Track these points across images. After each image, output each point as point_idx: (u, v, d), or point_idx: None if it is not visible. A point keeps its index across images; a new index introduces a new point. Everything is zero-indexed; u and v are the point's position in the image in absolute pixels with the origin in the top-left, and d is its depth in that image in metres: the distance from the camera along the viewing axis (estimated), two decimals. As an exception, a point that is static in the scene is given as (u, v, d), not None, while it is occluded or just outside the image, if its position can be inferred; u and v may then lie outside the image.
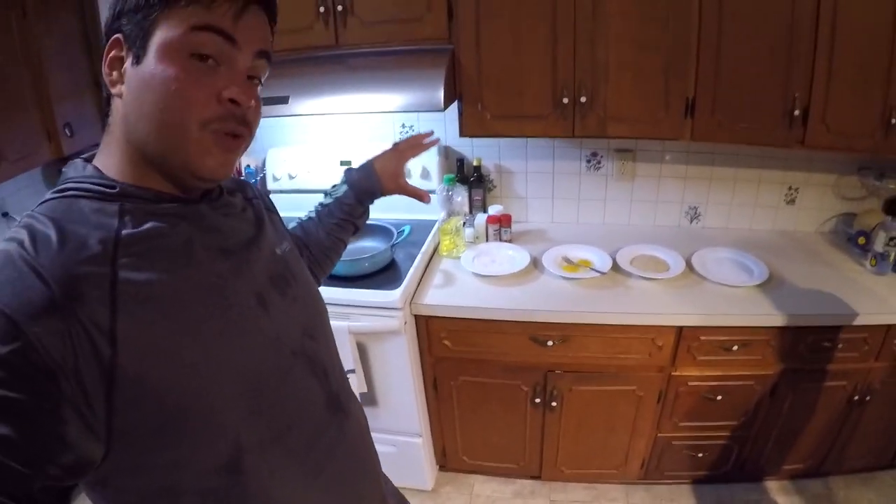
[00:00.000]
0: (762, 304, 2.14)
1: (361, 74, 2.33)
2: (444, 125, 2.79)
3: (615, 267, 2.38)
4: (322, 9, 2.28)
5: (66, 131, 3.20)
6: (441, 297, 2.28)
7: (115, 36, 0.79)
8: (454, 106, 2.38)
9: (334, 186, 1.43)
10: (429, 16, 2.25)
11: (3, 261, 0.68)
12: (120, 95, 0.79)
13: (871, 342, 2.13)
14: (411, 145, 1.51)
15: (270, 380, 0.87)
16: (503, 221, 2.65)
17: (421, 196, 1.50)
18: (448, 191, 2.63)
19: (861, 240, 2.44)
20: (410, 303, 2.26)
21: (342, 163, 2.82)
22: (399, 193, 1.48)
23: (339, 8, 2.26)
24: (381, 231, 2.52)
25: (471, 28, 2.24)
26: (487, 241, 2.68)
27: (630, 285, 2.29)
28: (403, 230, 2.41)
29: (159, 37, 0.75)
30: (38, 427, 0.63)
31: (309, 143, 2.93)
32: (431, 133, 1.54)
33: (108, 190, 0.79)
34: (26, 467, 0.62)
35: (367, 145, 2.84)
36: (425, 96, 2.18)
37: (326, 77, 2.32)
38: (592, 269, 2.35)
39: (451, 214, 2.62)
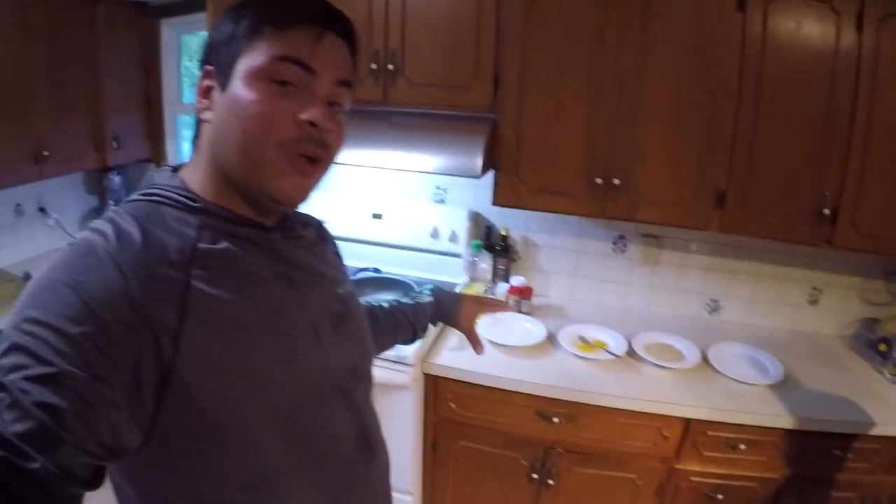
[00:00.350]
0: (774, 404, 2.11)
1: (403, 133, 2.43)
2: (477, 191, 2.86)
3: (630, 351, 2.38)
4: (374, 66, 2.40)
5: (114, 143, 3.38)
6: (454, 359, 2.30)
7: (207, 67, 0.87)
8: (489, 173, 2.44)
9: (419, 293, 1.53)
10: (476, 84, 2.36)
11: (87, 249, 0.74)
12: (209, 121, 0.87)
13: (883, 454, 2.08)
14: (492, 305, 1.67)
15: (311, 409, 0.89)
16: (524, 293, 2.68)
17: (476, 346, 1.57)
18: (474, 257, 2.68)
19: (882, 346, 2.40)
20: (423, 360, 2.28)
21: (374, 215, 2.89)
22: (466, 333, 1.58)
23: (391, 67, 2.39)
24: (403, 286, 2.57)
25: (515, 100, 2.33)
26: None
27: (643, 371, 2.28)
28: (425, 287, 2.45)
29: (243, 65, 0.82)
30: (92, 406, 0.66)
31: (342, 192, 3.00)
32: (508, 307, 1.65)
33: (191, 203, 0.84)
34: (73, 440, 0.64)
35: (400, 201, 2.94)
36: (464, 162, 2.27)
37: (369, 131, 2.41)
38: (607, 351, 2.36)
39: (473, 280, 2.67)
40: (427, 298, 1.51)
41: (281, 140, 0.82)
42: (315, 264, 1.01)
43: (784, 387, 2.22)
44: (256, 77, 0.81)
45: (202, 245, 0.81)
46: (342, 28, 0.89)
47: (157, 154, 3.72)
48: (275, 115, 0.81)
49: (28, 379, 0.64)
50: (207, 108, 0.87)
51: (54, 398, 0.63)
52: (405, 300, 1.47)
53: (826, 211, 2.13)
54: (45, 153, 3.04)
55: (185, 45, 3.70)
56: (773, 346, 2.51)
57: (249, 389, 0.80)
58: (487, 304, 1.63)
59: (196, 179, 0.88)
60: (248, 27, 0.83)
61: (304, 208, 0.97)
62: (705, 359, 2.36)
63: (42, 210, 3.49)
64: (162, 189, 0.86)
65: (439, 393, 2.32)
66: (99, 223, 0.78)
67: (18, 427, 0.62)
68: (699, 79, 2.17)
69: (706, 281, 2.76)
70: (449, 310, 1.53)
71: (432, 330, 1.62)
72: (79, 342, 0.66)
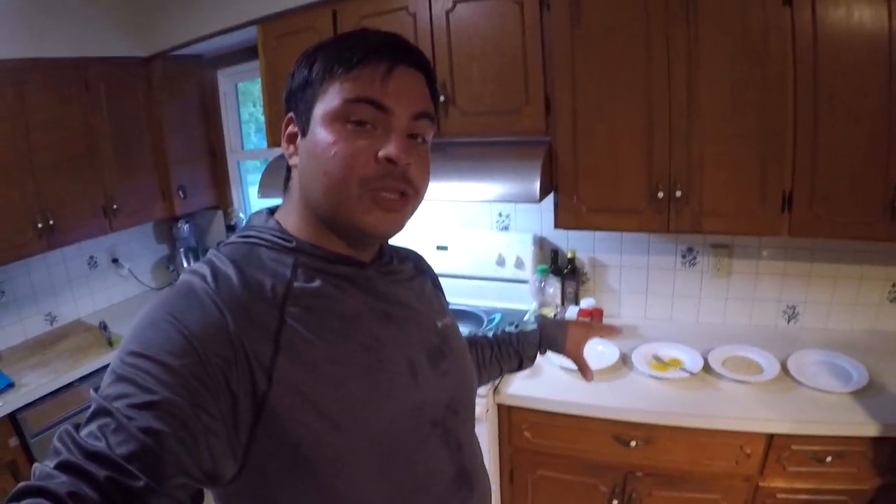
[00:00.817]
0: (860, 411, 2.00)
1: (460, 163, 2.44)
2: (541, 215, 2.85)
3: (706, 367, 2.30)
4: (427, 99, 2.41)
5: (180, 193, 3.55)
6: (526, 388, 2.27)
7: (289, 114, 0.92)
8: (550, 196, 2.42)
9: (524, 323, 1.54)
10: (527, 109, 2.36)
11: (187, 290, 0.79)
12: (295, 165, 0.91)
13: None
14: (602, 328, 1.62)
15: (405, 445, 0.90)
16: (595, 315, 2.64)
17: (586, 373, 1.53)
18: (541, 282, 2.65)
19: None
20: (494, 391, 2.26)
21: (438, 247, 2.92)
22: (573, 359, 1.53)
23: (442, 98, 2.40)
24: (472, 317, 2.58)
25: (568, 121, 2.32)
26: (579, 334, 2.65)
27: (721, 388, 2.21)
28: (494, 318, 2.45)
29: (319, 110, 0.85)
30: (192, 432, 0.69)
31: (406, 227, 3.00)
32: (619, 331, 1.62)
33: (286, 243, 0.88)
34: (174, 462, 0.67)
35: (464, 231, 2.95)
36: (521, 188, 2.26)
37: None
38: (682, 370, 2.30)
39: (542, 305, 2.64)
40: (533, 327, 1.51)
41: (362, 177, 0.84)
42: (412, 299, 1.02)
43: (869, 392, 2.10)
44: (333, 119, 0.84)
45: (297, 284, 0.85)
46: (412, 59, 0.89)
47: (222, 201, 3.85)
48: (354, 155, 0.83)
49: (132, 406, 0.67)
50: (294, 154, 0.91)
51: (157, 423, 0.66)
52: (509, 328, 1.51)
53: None
54: (115, 206, 3.22)
55: (242, 93, 3.79)
56: (856, 349, 2.39)
57: (342, 424, 0.81)
58: (595, 329, 1.60)
59: (290, 220, 0.92)
60: (320, 72, 0.86)
61: (400, 242, 1.02)
62: (785, 369, 2.26)
63: (115, 261, 3.67)
64: (258, 231, 0.91)
65: (513, 423, 2.30)
66: (197, 266, 0.84)
67: (124, 449, 0.65)
68: (751, 80, 2.11)
69: (782, 287, 2.66)
70: (555, 336, 1.50)
71: (540, 359, 1.62)
72: (180, 373, 0.70)
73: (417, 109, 0.88)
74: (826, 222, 2.13)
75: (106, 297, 3.63)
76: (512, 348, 1.45)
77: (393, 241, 1.03)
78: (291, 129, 0.91)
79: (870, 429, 1.95)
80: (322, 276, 0.88)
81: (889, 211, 2.04)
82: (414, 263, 1.12)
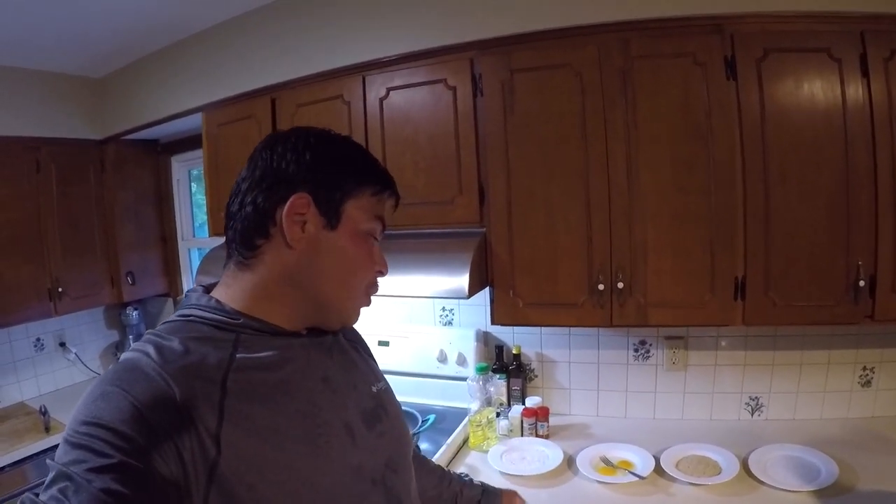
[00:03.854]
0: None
1: (394, 256, 2.31)
2: (485, 308, 2.70)
3: (658, 469, 2.13)
4: (355, 190, 2.34)
5: (129, 279, 3.53)
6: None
7: (304, 195, 0.93)
8: (484, 290, 2.32)
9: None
10: (460, 199, 2.29)
11: (132, 366, 0.82)
12: (295, 248, 0.94)
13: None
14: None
15: (346, 502, 0.93)
16: (540, 414, 2.48)
17: None
18: (480, 380, 2.51)
19: None
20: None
21: (380, 343, 2.82)
22: None
23: (375, 189, 2.32)
24: (406, 416, 2.42)
25: (502, 211, 2.24)
26: (522, 434, 2.50)
27: (673, 492, 2.03)
28: (428, 419, 2.32)
29: (349, 215, 0.97)
30: (151, 494, 0.72)
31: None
32: None
33: (230, 319, 0.92)
34: None
35: (405, 327, 2.87)
36: (451, 282, 2.16)
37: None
38: (631, 473, 2.12)
39: (485, 405, 2.49)
40: (477, 484, 1.52)
41: (367, 283, 1.02)
42: (344, 368, 1.06)
43: (836, 490, 1.93)
44: (363, 232, 0.99)
45: (238, 355, 0.89)
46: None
47: (173, 288, 3.83)
48: (367, 265, 1.00)
49: (90, 470, 0.70)
50: (302, 238, 0.94)
51: (115, 485, 0.70)
52: (457, 474, 1.52)
53: (862, 283, 1.93)
54: (60, 290, 3.19)
55: (196, 179, 3.78)
56: (826, 441, 2.23)
57: (285, 487, 0.84)
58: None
59: (232, 296, 0.95)
60: (353, 178, 0.98)
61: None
62: (746, 467, 2.10)
63: (62, 345, 3.61)
64: (198, 308, 0.94)
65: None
66: (138, 345, 0.87)
67: None
68: (696, 160, 2.03)
69: (743, 378, 2.51)
70: (494, 498, 1.51)
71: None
72: (133, 439, 0.73)
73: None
74: (784, 308, 2.02)
75: (52, 381, 3.56)
76: (455, 491, 1.46)
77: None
78: (302, 210, 0.93)
79: None
80: (262, 348, 0.92)
81: (853, 291, 1.95)
82: (344, 334, 1.15)
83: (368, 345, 1.27)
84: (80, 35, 2.81)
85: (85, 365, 3.67)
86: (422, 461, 1.45)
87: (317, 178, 0.95)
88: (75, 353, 3.61)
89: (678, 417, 2.60)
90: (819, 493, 1.92)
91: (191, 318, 0.93)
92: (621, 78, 2.06)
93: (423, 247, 2.32)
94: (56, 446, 2.63)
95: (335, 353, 1.06)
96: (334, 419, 0.96)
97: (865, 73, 1.89)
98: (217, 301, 0.95)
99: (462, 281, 2.12)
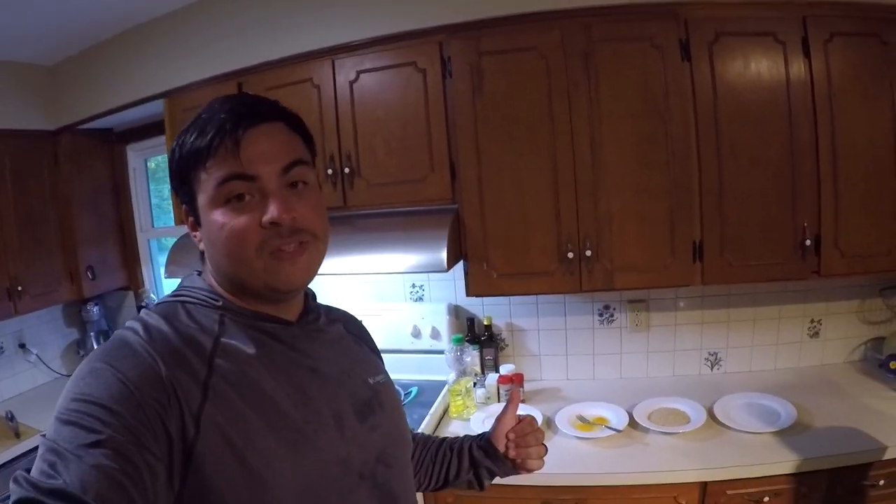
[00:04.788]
0: (790, 449, 2.02)
1: (369, 235, 2.41)
2: (454, 284, 2.84)
3: (632, 423, 2.29)
4: (330, 171, 2.41)
5: (89, 274, 3.41)
6: (449, 460, 2.20)
7: (183, 206, 0.96)
8: (459, 264, 2.40)
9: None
10: (432, 177, 2.36)
11: (121, 342, 0.84)
12: (203, 250, 0.96)
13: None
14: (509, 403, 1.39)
15: (330, 496, 0.90)
16: (515, 381, 2.60)
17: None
18: (457, 351, 2.62)
19: (893, 364, 2.34)
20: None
21: (350, 324, 2.86)
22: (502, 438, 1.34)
23: (347, 170, 2.40)
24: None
25: (473, 188, 2.32)
26: (499, 401, 2.62)
27: (648, 441, 2.20)
28: (411, 391, 2.40)
29: (201, 199, 0.90)
30: (139, 471, 0.72)
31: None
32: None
33: (213, 301, 0.94)
34: (126, 498, 0.70)
35: (376, 305, 2.92)
36: (429, 258, 2.23)
37: (333, 238, 2.35)
38: (608, 427, 2.28)
39: (461, 375, 2.60)
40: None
41: (257, 246, 0.88)
42: (337, 357, 1.04)
43: (797, 429, 2.14)
44: (214, 204, 0.89)
45: (224, 338, 0.90)
46: (260, 119, 0.91)
47: (133, 281, 3.72)
48: (242, 230, 0.88)
49: (81, 446, 0.71)
50: (200, 240, 0.96)
51: (105, 460, 0.70)
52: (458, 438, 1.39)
53: (808, 242, 2.13)
54: (19, 289, 3.05)
55: (154, 169, 3.72)
56: (781, 388, 2.44)
57: (264, 475, 0.82)
58: (509, 408, 1.37)
59: (215, 283, 0.97)
60: (187, 163, 0.90)
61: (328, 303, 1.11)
62: (712, 416, 2.28)
63: (22, 346, 3.47)
64: (188, 291, 0.96)
65: (439, 497, 2.21)
66: (130, 323, 0.89)
67: (78, 484, 0.68)
68: (655, 135, 2.18)
69: (702, 336, 2.70)
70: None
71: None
72: (121, 415, 0.74)
73: (283, 163, 0.91)
74: (738, 268, 2.20)
75: (13, 386, 3.42)
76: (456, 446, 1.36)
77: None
78: (191, 219, 0.95)
79: (802, 464, 1.97)
80: (248, 332, 0.92)
81: (800, 249, 2.14)
82: (343, 324, 1.15)
83: (373, 340, 1.25)
84: (31, 22, 2.72)
85: (47, 366, 3.55)
86: (424, 441, 1.38)
87: (176, 185, 0.95)
88: (36, 355, 3.49)
89: (643, 375, 2.77)
90: (781, 433, 2.12)
91: (180, 297, 0.95)
92: (584, 60, 2.19)
93: (399, 225, 2.39)
94: (30, 451, 2.56)
95: (328, 342, 1.04)
96: (323, 408, 0.94)
97: (807, 55, 2.08)
98: (207, 284, 0.97)
99: (440, 255, 2.20)
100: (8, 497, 0.70)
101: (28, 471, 0.71)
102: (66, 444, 0.71)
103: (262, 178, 0.88)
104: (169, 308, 0.92)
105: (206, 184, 0.88)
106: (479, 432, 1.40)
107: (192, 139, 0.89)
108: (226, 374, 0.85)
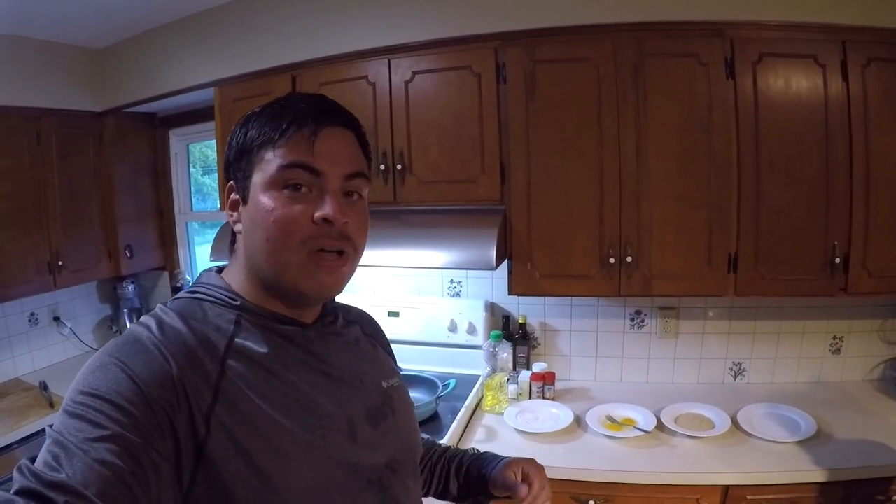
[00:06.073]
0: (810, 459, 2.09)
1: (416, 231, 2.48)
2: (492, 282, 2.92)
3: (659, 425, 2.37)
4: (382, 167, 2.48)
5: (127, 252, 3.47)
6: (481, 453, 2.27)
7: (230, 183, 0.95)
8: (503, 264, 2.47)
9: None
10: (483, 177, 2.43)
11: (133, 339, 0.83)
12: (240, 232, 0.95)
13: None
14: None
15: (335, 500, 0.89)
16: (547, 379, 2.68)
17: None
18: (494, 347, 2.69)
19: None
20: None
21: (390, 313, 2.94)
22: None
23: (399, 167, 2.47)
24: (426, 383, 2.57)
25: (522, 190, 2.39)
26: (531, 398, 2.70)
27: (674, 444, 2.27)
28: (449, 383, 2.46)
29: (257, 178, 0.89)
30: (143, 468, 0.72)
31: (356, 294, 3.03)
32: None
33: (230, 300, 0.92)
34: (129, 495, 0.70)
35: (414, 298, 2.99)
36: (478, 255, 2.30)
37: (381, 231, 2.44)
38: (636, 428, 2.35)
39: (495, 370, 2.67)
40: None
41: (302, 239, 0.88)
42: (353, 361, 1.03)
43: (817, 440, 2.21)
44: (270, 187, 0.88)
45: (238, 339, 0.89)
46: (339, 120, 0.93)
47: (169, 262, 3.79)
48: (292, 219, 0.87)
49: (87, 440, 0.70)
50: (237, 221, 0.95)
51: (110, 456, 0.70)
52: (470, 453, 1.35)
53: (837, 260, 2.19)
54: (60, 263, 3.12)
55: (193, 155, 3.78)
56: (802, 401, 2.50)
57: (273, 478, 0.82)
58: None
59: (235, 280, 0.95)
60: (253, 141, 0.90)
61: (349, 302, 1.06)
62: (736, 423, 2.35)
63: (57, 319, 3.54)
64: (205, 287, 0.95)
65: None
66: (144, 318, 0.88)
67: (81, 478, 0.67)
68: (697, 147, 2.25)
69: (728, 345, 2.77)
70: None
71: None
72: (129, 412, 0.73)
73: (349, 170, 0.92)
74: (770, 281, 2.27)
75: (46, 356, 3.50)
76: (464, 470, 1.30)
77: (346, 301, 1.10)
78: (233, 196, 0.95)
79: (820, 474, 2.03)
80: (263, 334, 0.91)
81: (829, 266, 2.21)
82: (361, 327, 1.14)
83: (388, 341, 1.24)
84: (83, 5, 2.77)
85: (79, 339, 3.63)
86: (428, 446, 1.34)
87: (232, 156, 0.94)
88: (70, 328, 3.58)
89: (669, 381, 2.85)
90: (801, 443, 2.19)
91: (197, 294, 0.94)
92: (634, 73, 2.26)
93: (448, 222, 2.46)
94: None
95: (343, 345, 1.04)
96: (336, 413, 0.93)
97: (845, 78, 2.15)
98: (225, 282, 0.96)
99: (490, 253, 2.28)
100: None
101: (32, 460, 0.71)
102: (71, 437, 0.70)
103: (327, 175, 0.89)
104: (186, 305, 0.92)
105: (269, 164, 0.88)
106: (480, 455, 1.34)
107: (266, 119, 0.90)
108: (238, 376, 0.85)
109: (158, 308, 0.91)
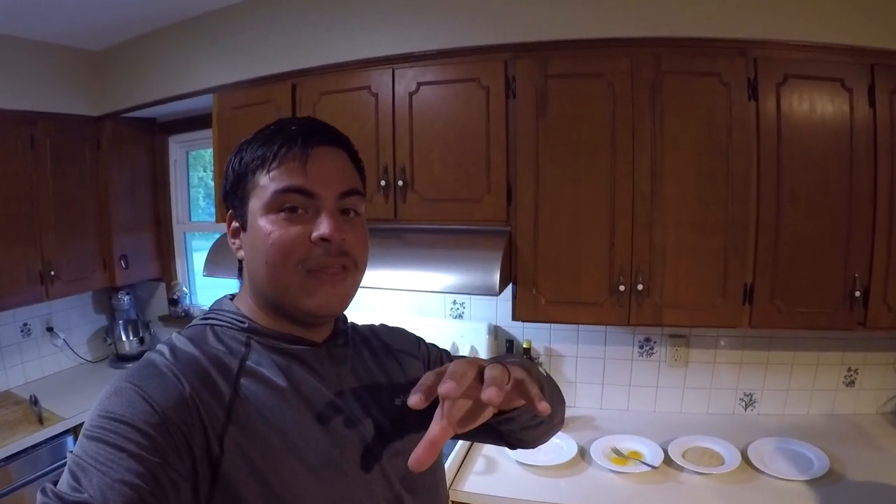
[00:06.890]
0: (822, 499, 1.99)
1: (417, 251, 2.39)
2: (496, 304, 2.83)
3: (667, 459, 2.27)
4: (383, 182, 2.39)
5: (122, 262, 3.41)
6: (481, 486, 2.19)
7: (229, 211, 0.97)
8: (507, 287, 2.38)
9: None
10: (488, 197, 2.33)
11: (147, 363, 0.86)
12: (243, 259, 0.97)
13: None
14: None
15: None
16: (550, 406, 2.57)
17: None
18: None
19: None
20: (449, 489, 2.16)
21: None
22: None
23: (400, 183, 2.37)
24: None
25: (529, 211, 2.30)
26: (534, 422, 2.59)
27: (682, 480, 2.17)
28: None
29: (254, 203, 0.91)
30: (163, 488, 0.74)
31: (357, 312, 2.90)
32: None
33: (240, 324, 0.95)
34: None
35: (416, 319, 2.90)
36: (480, 279, 2.21)
37: (380, 250, 2.34)
38: (643, 463, 2.25)
39: (497, 395, 2.58)
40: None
41: (300, 260, 0.89)
42: (363, 381, 1.02)
43: (829, 479, 2.11)
44: (267, 211, 0.90)
45: (250, 360, 0.91)
46: (328, 139, 0.95)
47: (166, 273, 3.71)
48: (290, 240, 0.89)
49: (107, 461, 0.73)
50: (239, 248, 0.97)
51: (131, 476, 0.72)
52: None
53: (857, 293, 2.10)
54: (52, 273, 3.06)
55: (192, 162, 3.71)
56: (814, 435, 2.42)
57: (285, 498, 0.83)
58: None
59: (245, 305, 0.98)
60: (247, 169, 0.93)
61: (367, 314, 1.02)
62: (746, 458, 2.25)
63: (50, 330, 3.48)
64: (216, 313, 0.98)
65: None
66: (159, 346, 0.91)
67: (102, 498, 0.70)
68: (715, 172, 2.16)
69: (739, 376, 2.67)
70: None
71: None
72: (146, 433, 0.75)
73: (342, 188, 0.93)
74: (786, 314, 2.18)
75: (38, 368, 3.42)
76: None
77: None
78: (234, 224, 0.97)
79: None
80: (275, 355, 0.92)
81: (848, 300, 2.11)
82: (373, 341, 1.13)
83: (418, 340, 1.24)
84: (82, 6, 2.70)
85: (73, 350, 3.55)
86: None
87: (229, 186, 0.96)
88: (63, 339, 3.50)
89: (677, 410, 2.75)
90: (813, 482, 2.09)
91: (208, 321, 0.97)
92: (651, 91, 2.16)
93: (450, 242, 2.37)
94: (51, 439, 2.53)
95: (355, 364, 1.03)
96: (347, 434, 0.92)
97: (873, 104, 2.05)
98: (236, 307, 0.98)
99: (493, 277, 2.18)
100: (23, 484, 0.70)
101: (55, 483, 0.74)
102: (91, 460, 0.73)
103: (321, 196, 0.90)
104: (198, 331, 0.94)
105: (265, 189, 0.90)
106: None
107: (259, 144, 0.92)
108: (250, 396, 0.86)
109: (173, 335, 0.94)
